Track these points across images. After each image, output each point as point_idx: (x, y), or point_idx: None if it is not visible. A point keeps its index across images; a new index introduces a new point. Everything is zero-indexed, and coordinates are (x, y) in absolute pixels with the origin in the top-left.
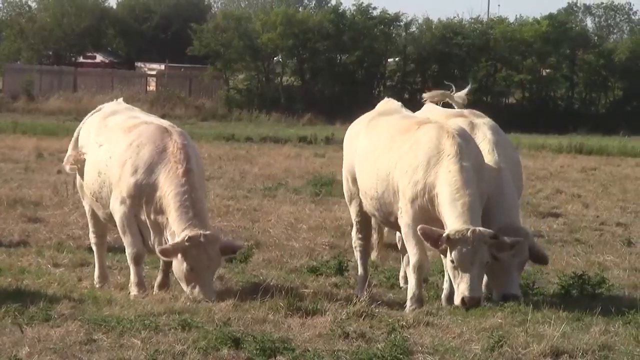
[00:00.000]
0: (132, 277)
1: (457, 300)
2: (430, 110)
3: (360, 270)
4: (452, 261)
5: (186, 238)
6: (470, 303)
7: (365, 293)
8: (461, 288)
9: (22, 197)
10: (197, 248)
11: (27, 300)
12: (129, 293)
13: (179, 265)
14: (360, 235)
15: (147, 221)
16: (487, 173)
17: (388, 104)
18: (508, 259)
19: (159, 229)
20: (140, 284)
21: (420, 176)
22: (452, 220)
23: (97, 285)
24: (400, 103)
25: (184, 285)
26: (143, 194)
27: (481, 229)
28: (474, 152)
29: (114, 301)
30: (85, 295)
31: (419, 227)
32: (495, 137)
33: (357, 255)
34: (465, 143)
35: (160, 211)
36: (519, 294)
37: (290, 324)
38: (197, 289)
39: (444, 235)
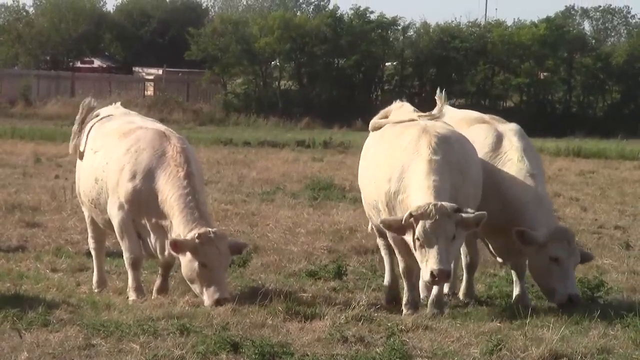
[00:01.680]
0: (130, 282)
1: (425, 276)
2: (448, 114)
3: (387, 277)
4: (417, 239)
5: (196, 235)
6: (440, 276)
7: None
8: (430, 263)
9: (20, 202)
10: (208, 244)
11: (26, 305)
12: (128, 298)
13: (190, 265)
14: (383, 241)
15: (148, 225)
16: (507, 182)
17: (401, 110)
18: (567, 259)
19: (162, 232)
20: (138, 289)
21: (396, 178)
22: (417, 200)
23: (95, 290)
24: (413, 108)
25: (196, 287)
26: (142, 199)
27: (443, 202)
28: (456, 151)
29: (113, 306)
30: (83, 300)
31: (380, 219)
32: (523, 143)
33: (385, 259)
34: (443, 141)
35: (163, 215)
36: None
37: (289, 329)
38: (212, 288)
39: (406, 214)
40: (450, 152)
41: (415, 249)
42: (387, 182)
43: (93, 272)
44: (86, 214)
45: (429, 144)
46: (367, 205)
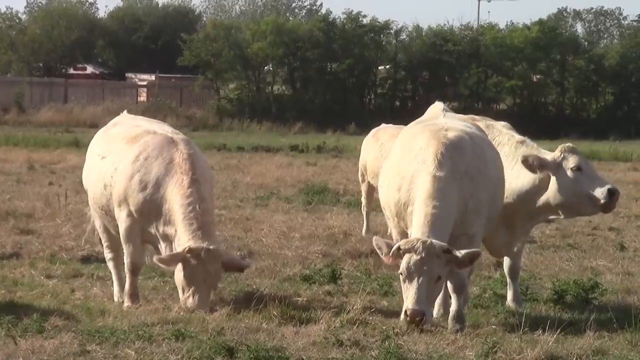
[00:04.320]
0: (127, 287)
1: (402, 315)
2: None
3: None
4: (401, 273)
5: (186, 249)
6: (412, 316)
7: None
8: (407, 300)
9: (14, 209)
10: (197, 261)
11: (21, 312)
12: (122, 303)
13: (178, 273)
14: None
15: (157, 234)
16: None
17: (432, 109)
18: None
19: (169, 240)
20: (134, 295)
21: (405, 189)
22: (414, 231)
23: (116, 300)
24: (442, 108)
25: (180, 293)
26: (152, 209)
27: (434, 241)
28: (466, 158)
29: (108, 312)
30: (78, 307)
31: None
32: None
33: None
34: (452, 150)
35: (169, 222)
36: None
37: (284, 333)
38: (190, 299)
39: (395, 246)
40: (459, 162)
41: (401, 281)
42: (397, 191)
43: (113, 285)
44: (98, 223)
45: (436, 154)
46: (383, 207)
